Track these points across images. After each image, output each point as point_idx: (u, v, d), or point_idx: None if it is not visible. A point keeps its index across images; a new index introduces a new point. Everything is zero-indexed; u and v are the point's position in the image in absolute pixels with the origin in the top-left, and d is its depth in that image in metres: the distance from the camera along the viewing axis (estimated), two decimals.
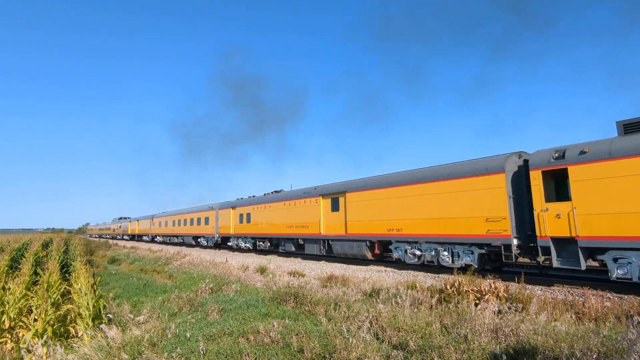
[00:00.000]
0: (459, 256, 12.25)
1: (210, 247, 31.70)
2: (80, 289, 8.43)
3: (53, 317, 7.21)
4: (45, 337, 6.38)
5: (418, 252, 13.45)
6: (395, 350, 4.98)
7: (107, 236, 71.69)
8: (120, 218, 63.62)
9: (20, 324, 7.68)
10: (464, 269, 11.74)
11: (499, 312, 6.43)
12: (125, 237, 58.88)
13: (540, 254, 10.21)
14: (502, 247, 10.80)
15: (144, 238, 48.65)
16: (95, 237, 73.37)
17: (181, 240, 36.65)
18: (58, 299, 8.89)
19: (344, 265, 16.10)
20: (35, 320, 7.16)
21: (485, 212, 11.36)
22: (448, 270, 12.30)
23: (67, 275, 14.17)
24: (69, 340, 6.82)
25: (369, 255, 15.56)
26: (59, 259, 17.04)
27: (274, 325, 6.10)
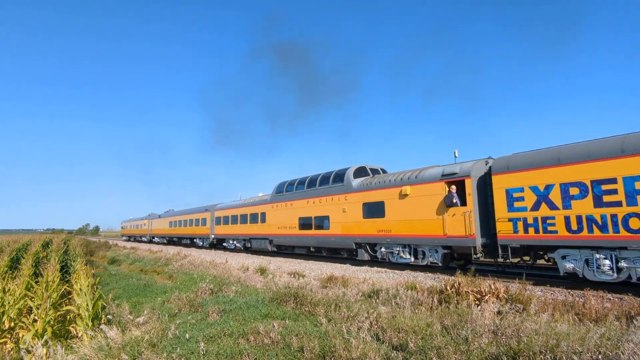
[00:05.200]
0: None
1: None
2: (80, 290, 8.42)
3: (53, 317, 7.20)
4: (45, 337, 6.37)
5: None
6: (395, 351, 4.97)
7: (236, 240, 26.87)
8: (281, 187, 21.60)
9: (20, 324, 7.67)
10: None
11: (499, 312, 6.43)
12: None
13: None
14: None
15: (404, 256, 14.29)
16: (153, 241, 45.30)
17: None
18: (58, 299, 8.88)
19: (344, 265, 16.10)
20: (35, 320, 7.16)
21: None
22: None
23: (67, 275, 14.16)
24: (69, 340, 6.82)
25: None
26: (58, 259, 17.02)
27: (274, 326, 6.10)
